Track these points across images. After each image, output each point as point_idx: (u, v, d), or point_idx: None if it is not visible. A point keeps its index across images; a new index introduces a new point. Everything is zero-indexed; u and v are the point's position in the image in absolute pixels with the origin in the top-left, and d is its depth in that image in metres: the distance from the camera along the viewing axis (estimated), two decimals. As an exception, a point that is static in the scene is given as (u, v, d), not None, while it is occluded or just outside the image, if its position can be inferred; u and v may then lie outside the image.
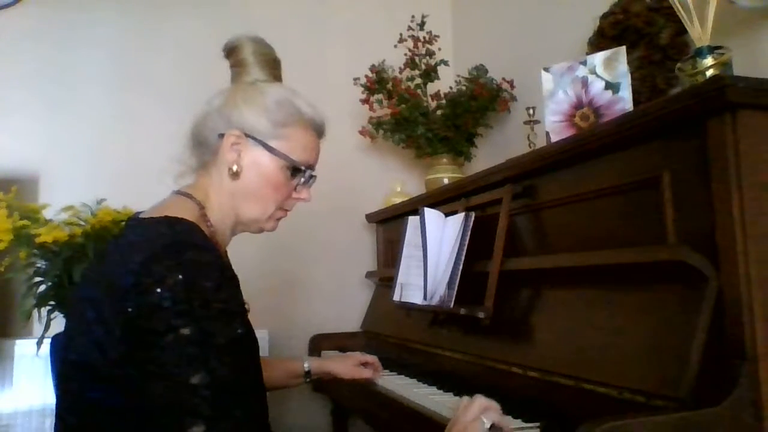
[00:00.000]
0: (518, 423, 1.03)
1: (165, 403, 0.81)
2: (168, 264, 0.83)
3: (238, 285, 0.92)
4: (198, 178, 1.08)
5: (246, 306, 0.94)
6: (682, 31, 1.41)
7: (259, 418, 0.88)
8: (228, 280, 0.89)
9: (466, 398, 0.98)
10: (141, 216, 0.98)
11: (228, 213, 1.05)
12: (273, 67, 1.12)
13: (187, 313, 0.82)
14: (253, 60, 1.09)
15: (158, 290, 0.81)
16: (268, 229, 1.11)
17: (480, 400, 0.96)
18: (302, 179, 1.08)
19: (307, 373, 1.43)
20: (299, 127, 1.07)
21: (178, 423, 0.80)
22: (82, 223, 1.64)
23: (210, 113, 1.06)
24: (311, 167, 1.10)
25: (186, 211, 0.98)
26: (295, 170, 1.06)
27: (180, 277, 0.83)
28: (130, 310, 0.82)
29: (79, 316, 0.90)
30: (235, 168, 1.02)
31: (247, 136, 1.03)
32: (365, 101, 2.30)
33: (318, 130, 1.12)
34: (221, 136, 1.03)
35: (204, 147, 1.06)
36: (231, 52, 1.11)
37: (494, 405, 0.96)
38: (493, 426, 0.93)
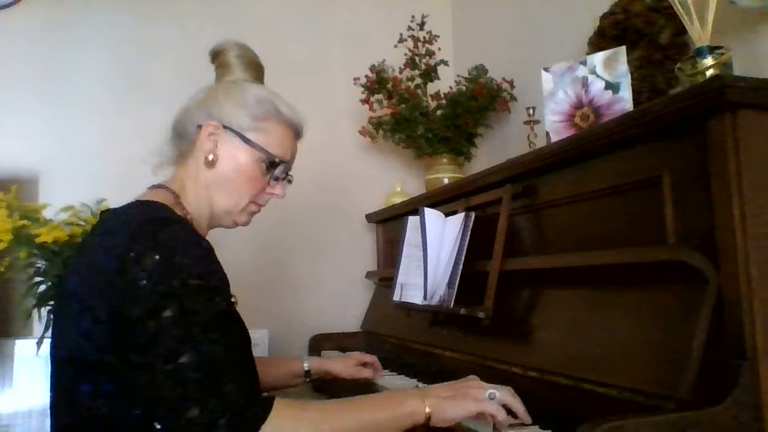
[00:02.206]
0: (518, 423, 1.03)
1: (157, 393, 0.82)
2: (145, 243, 0.85)
3: (215, 256, 0.93)
4: (175, 171, 1.10)
5: (233, 299, 0.95)
6: (682, 31, 1.41)
7: (248, 390, 0.88)
8: (205, 251, 0.91)
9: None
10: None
11: (203, 204, 1.08)
12: (256, 70, 1.16)
13: (167, 294, 0.83)
14: (237, 62, 1.13)
15: (138, 272, 0.83)
16: (241, 222, 1.12)
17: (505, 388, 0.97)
18: (276, 173, 1.10)
19: (307, 373, 1.43)
20: (277, 123, 1.09)
21: (173, 411, 0.81)
22: (82, 223, 1.64)
23: (190, 107, 1.09)
24: (286, 163, 1.12)
25: (159, 199, 1.01)
26: (270, 165, 1.09)
27: (157, 257, 0.84)
28: (114, 293, 0.83)
29: (66, 310, 0.91)
30: (210, 157, 1.05)
31: (225, 127, 1.06)
32: (365, 101, 2.30)
33: (295, 130, 1.14)
34: (199, 127, 1.06)
35: (183, 138, 1.09)
36: (216, 55, 1.15)
37: (514, 394, 0.97)
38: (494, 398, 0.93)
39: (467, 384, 0.96)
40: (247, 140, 1.06)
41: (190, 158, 1.08)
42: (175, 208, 1.02)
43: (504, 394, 0.95)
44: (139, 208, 0.96)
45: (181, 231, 0.90)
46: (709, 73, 1.16)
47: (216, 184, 1.06)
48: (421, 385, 1.46)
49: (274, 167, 1.09)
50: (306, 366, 1.43)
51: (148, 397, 0.84)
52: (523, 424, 0.99)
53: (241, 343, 0.96)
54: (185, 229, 0.92)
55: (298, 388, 1.49)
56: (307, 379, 1.44)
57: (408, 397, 0.93)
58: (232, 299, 0.95)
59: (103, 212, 1.04)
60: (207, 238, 1.10)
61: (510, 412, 0.96)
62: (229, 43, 1.14)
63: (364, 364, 1.48)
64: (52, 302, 1.59)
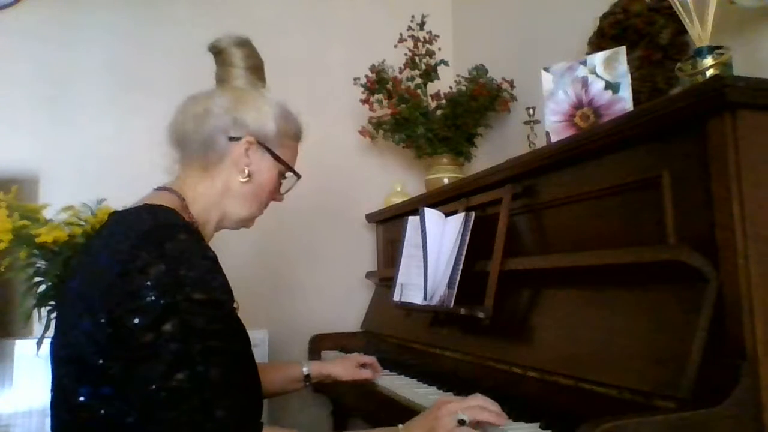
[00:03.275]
0: (518, 423, 1.03)
1: (150, 413, 0.82)
2: (151, 252, 0.84)
3: (219, 267, 0.93)
4: (180, 173, 1.09)
5: (235, 304, 0.95)
6: (682, 31, 1.41)
7: (244, 415, 0.88)
8: (210, 262, 0.91)
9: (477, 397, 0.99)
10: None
11: (214, 210, 1.08)
12: (261, 70, 1.16)
13: (169, 307, 0.82)
14: (243, 64, 1.12)
15: (142, 281, 0.82)
16: (248, 226, 1.16)
17: (471, 400, 0.97)
18: (290, 184, 1.16)
19: (307, 377, 1.43)
20: (292, 137, 1.14)
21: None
22: (82, 223, 1.64)
23: (216, 113, 1.06)
24: (299, 175, 1.17)
25: (166, 202, 1.01)
26: (284, 175, 1.14)
27: (162, 267, 0.83)
28: (114, 298, 0.83)
29: (69, 310, 0.91)
30: (247, 171, 1.06)
31: (259, 143, 1.07)
32: (365, 101, 2.30)
33: (300, 138, 1.19)
34: (232, 139, 1.05)
35: (208, 146, 1.06)
36: (219, 53, 1.14)
37: (482, 403, 0.97)
38: (465, 423, 0.93)
39: (437, 414, 0.95)
40: (276, 156, 1.09)
41: (217, 167, 1.06)
42: (180, 211, 1.01)
43: (473, 413, 0.94)
44: (147, 212, 0.95)
45: (188, 241, 0.89)
46: (709, 73, 1.16)
47: (241, 195, 1.08)
48: (417, 383, 1.46)
49: (288, 178, 1.15)
50: (306, 370, 1.43)
51: (141, 416, 0.83)
52: (523, 423, 1.01)
53: (241, 354, 0.95)
54: (193, 238, 0.91)
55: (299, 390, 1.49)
56: (307, 383, 1.44)
57: None
58: (234, 305, 0.95)
59: (110, 214, 1.03)
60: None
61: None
62: (230, 41, 1.12)
63: (364, 365, 1.48)
64: (52, 302, 1.59)
